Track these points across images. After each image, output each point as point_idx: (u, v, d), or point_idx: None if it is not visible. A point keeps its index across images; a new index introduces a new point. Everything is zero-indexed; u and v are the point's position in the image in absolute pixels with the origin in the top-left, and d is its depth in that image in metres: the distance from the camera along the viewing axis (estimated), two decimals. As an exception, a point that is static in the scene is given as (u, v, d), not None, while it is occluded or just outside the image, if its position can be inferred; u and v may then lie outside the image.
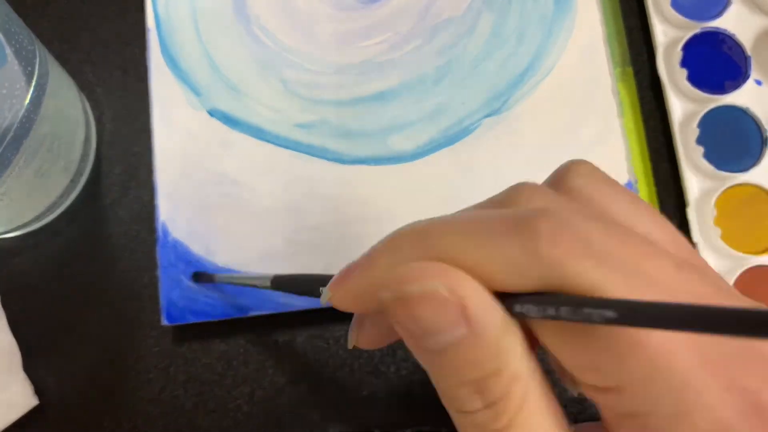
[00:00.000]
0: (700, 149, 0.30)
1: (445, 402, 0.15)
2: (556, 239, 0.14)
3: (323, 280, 0.19)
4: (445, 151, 0.30)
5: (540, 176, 0.30)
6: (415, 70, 0.31)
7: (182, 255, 0.29)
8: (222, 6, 0.32)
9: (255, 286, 0.25)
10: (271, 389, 0.29)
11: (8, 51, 0.23)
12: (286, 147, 0.30)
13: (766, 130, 0.30)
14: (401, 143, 0.30)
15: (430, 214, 0.29)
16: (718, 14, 0.32)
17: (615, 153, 0.30)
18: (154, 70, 0.31)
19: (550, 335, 0.15)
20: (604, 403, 0.15)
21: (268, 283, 0.24)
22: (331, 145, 0.30)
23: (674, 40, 0.32)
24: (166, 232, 0.29)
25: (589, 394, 0.15)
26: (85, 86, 0.32)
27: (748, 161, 0.30)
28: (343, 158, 0.30)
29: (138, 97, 0.32)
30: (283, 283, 0.23)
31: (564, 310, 0.13)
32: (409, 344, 0.15)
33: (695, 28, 0.31)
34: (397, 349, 0.30)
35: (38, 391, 0.29)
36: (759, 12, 0.32)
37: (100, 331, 0.30)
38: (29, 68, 0.25)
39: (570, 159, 0.18)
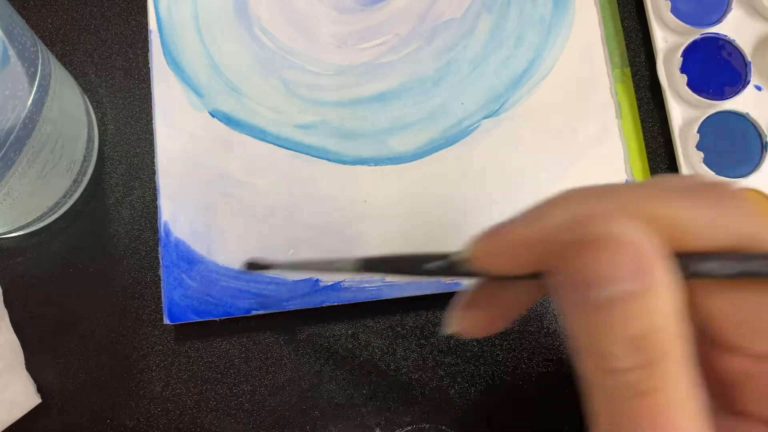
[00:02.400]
0: (700, 155, 0.30)
1: (590, 360, 0.14)
2: (747, 201, 0.13)
3: (425, 258, 0.17)
4: (444, 151, 0.31)
5: (539, 177, 0.30)
6: (414, 71, 0.31)
7: (184, 254, 0.29)
8: (223, 8, 0.32)
9: (334, 269, 0.23)
10: (273, 388, 0.29)
11: (11, 52, 0.24)
12: (287, 147, 0.30)
13: (765, 135, 0.30)
14: (401, 144, 0.31)
15: (430, 214, 0.30)
16: (718, 20, 0.32)
17: (613, 154, 0.31)
18: (156, 72, 0.31)
19: (716, 299, 0.14)
20: (761, 373, 0.14)
21: (352, 266, 0.21)
22: (331, 145, 0.30)
23: (674, 46, 0.32)
24: (168, 232, 0.29)
25: (740, 367, 0.15)
26: (87, 87, 0.32)
27: (748, 167, 0.30)
28: (344, 159, 0.30)
29: (140, 98, 0.32)
30: (375, 265, 0.21)
31: (760, 263, 0.13)
32: (568, 298, 0.14)
33: (695, 33, 0.31)
34: (397, 348, 0.30)
35: (41, 389, 0.29)
36: (759, 18, 0.32)
37: (102, 329, 0.30)
38: (32, 69, 0.25)
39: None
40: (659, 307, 0.13)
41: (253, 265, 0.27)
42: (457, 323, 0.18)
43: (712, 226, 0.14)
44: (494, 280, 0.18)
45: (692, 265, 0.14)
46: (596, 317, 0.14)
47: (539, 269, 0.15)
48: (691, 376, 0.14)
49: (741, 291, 0.14)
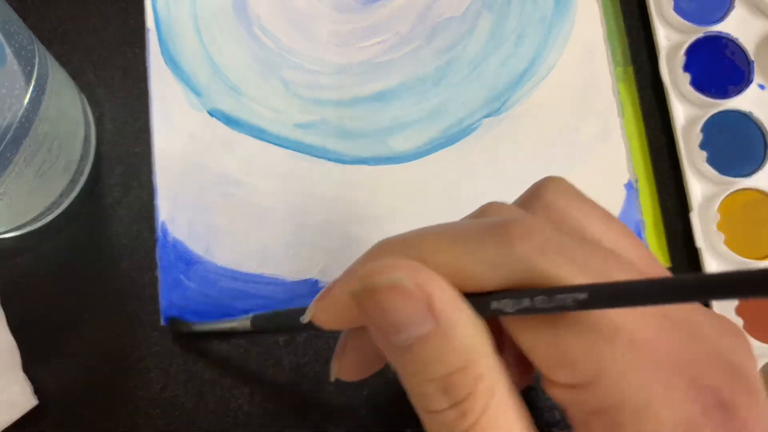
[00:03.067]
0: (703, 154, 0.30)
1: (414, 401, 0.15)
2: (528, 238, 0.14)
3: (300, 312, 0.19)
4: (445, 151, 0.30)
5: (540, 176, 0.29)
6: (415, 70, 0.31)
7: (182, 255, 0.29)
8: (222, 6, 0.31)
9: (234, 330, 0.26)
10: (272, 389, 0.29)
11: (8, 51, 0.23)
12: (287, 147, 0.30)
13: (768, 133, 0.30)
14: (401, 143, 0.30)
15: (430, 214, 0.30)
16: (721, 18, 0.32)
17: (615, 152, 0.30)
18: (154, 71, 0.31)
19: (523, 334, 0.15)
20: (574, 401, 0.15)
21: (248, 324, 0.24)
22: (331, 145, 0.30)
23: (677, 45, 0.32)
24: (166, 232, 0.29)
25: (558, 395, 0.15)
26: (85, 86, 0.32)
27: (752, 166, 0.30)
28: (344, 158, 0.30)
29: (138, 97, 0.32)
30: (262, 323, 0.23)
31: (539, 300, 0.14)
32: (379, 342, 0.15)
33: (698, 32, 0.31)
34: (396, 350, 0.30)
35: (38, 390, 0.29)
36: (762, 16, 0.32)
37: (100, 330, 0.30)
38: (29, 68, 0.25)
39: (544, 177, 0.19)
40: (458, 346, 0.14)
41: (173, 323, 0.28)
42: (334, 371, 0.20)
43: (492, 267, 0.14)
44: (353, 330, 0.19)
45: (492, 303, 0.14)
46: (404, 360, 0.15)
47: (362, 322, 0.16)
48: (509, 409, 0.15)
49: (537, 326, 0.15)
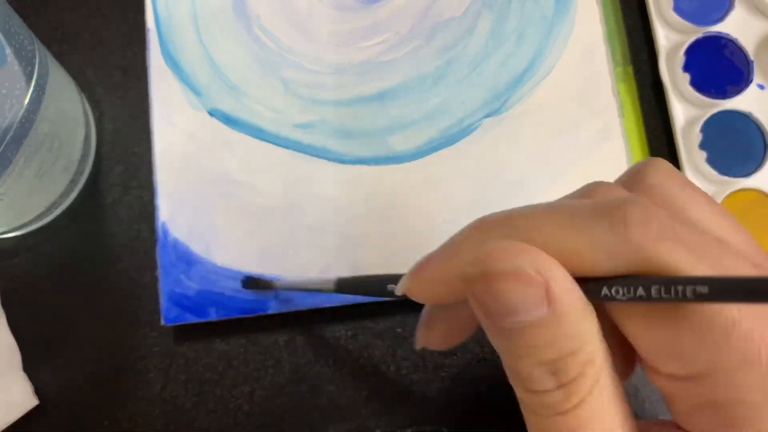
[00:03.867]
0: (703, 154, 0.30)
1: (515, 382, 0.15)
2: (645, 224, 0.14)
3: (389, 279, 0.19)
4: (445, 151, 0.30)
5: (540, 176, 0.30)
6: (415, 70, 0.31)
7: (182, 255, 0.29)
8: (222, 6, 0.31)
9: (318, 290, 0.26)
10: (272, 389, 0.29)
11: (8, 51, 0.23)
12: (286, 147, 0.30)
13: (768, 133, 0.30)
14: (401, 143, 0.30)
15: (429, 214, 0.30)
16: (721, 19, 0.32)
17: (615, 152, 0.30)
18: (154, 71, 0.31)
19: (632, 322, 0.15)
20: (681, 392, 0.15)
21: (332, 287, 0.24)
22: (331, 145, 0.30)
23: (677, 45, 0.32)
24: (166, 232, 0.29)
25: (663, 385, 0.15)
26: (85, 86, 0.32)
27: (751, 166, 0.30)
28: (343, 158, 0.30)
29: (138, 97, 0.32)
30: (348, 286, 0.23)
31: (655, 290, 0.13)
32: (486, 323, 0.15)
33: (698, 32, 0.31)
34: (397, 349, 0.30)
35: (38, 391, 0.29)
36: (761, 16, 0.32)
37: (100, 330, 0.30)
38: (29, 68, 0.25)
39: (645, 159, 0.18)
40: (570, 332, 0.14)
41: (250, 283, 0.28)
42: (421, 340, 0.20)
43: (605, 252, 0.14)
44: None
45: (603, 289, 0.14)
46: (513, 342, 0.15)
47: (462, 297, 0.16)
48: (612, 392, 0.15)
49: (647, 315, 0.15)
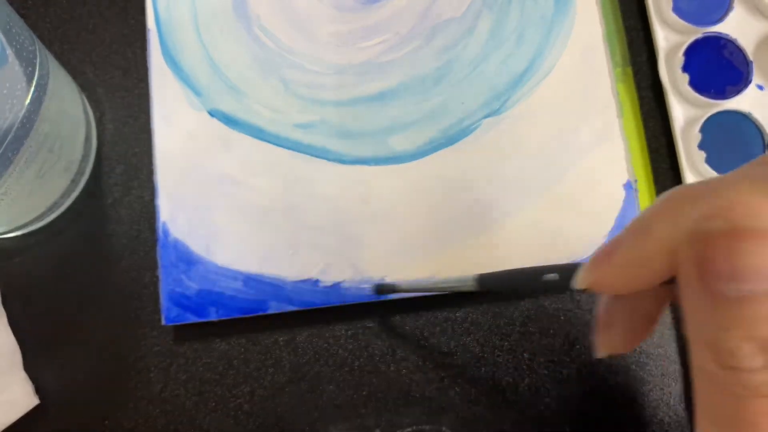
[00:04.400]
0: (702, 154, 0.30)
1: (710, 354, 0.14)
2: None
3: (540, 270, 0.18)
4: (445, 151, 0.30)
5: (540, 176, 0.30)
6: (415, 70, 0.31)
7: (183, 255, 0.29)
8: (222, 6, 0.31)
9: (454, 289, 0.25)
10: (272, 388, 0.29)
11: (9, 51, 0.23)
12: (287, 147, 0.30)
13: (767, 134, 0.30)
14: (401, 143, 0.30)
15: (429, 214, 0.30)
16: (720, 19, 0.32)
17: (615, 153, 0.30)
18: (154, 71, 0.31)
19: None
20: None
21: (472, 284, 0.23)
22: (331, 145, 0.30)
23: (676, 45, 0.32)
24: (166, 232, 0.29)
25: None
26: (85, 86, 0.32)
27: (750, 166, 0.30)
28: (344, 158, 0.30)
29: (138, 97, 0.32)
30: (492, 281, 0.22)
31: None
32: (697, 286, 0.14)
33: (697, 32, 0.31)
34: (397, 349, 0.30)
35: (39, 390, 0.29)
36: (761, 17, 0.32)
37: (100, 330, 0.30)
38: (30, 68, 0.25)
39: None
40: None
41: (381, 289, 0.28)
42: (605, 345, 0.18)
43: None
44: (620, 298, 0.18)
45: None
46: (725, 312, 0.13)
47: (662, 278, 0.15)
48: None
49: None
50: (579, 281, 0.17)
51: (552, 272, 0.18)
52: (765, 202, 0.13)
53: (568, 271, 0.18)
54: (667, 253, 0.14)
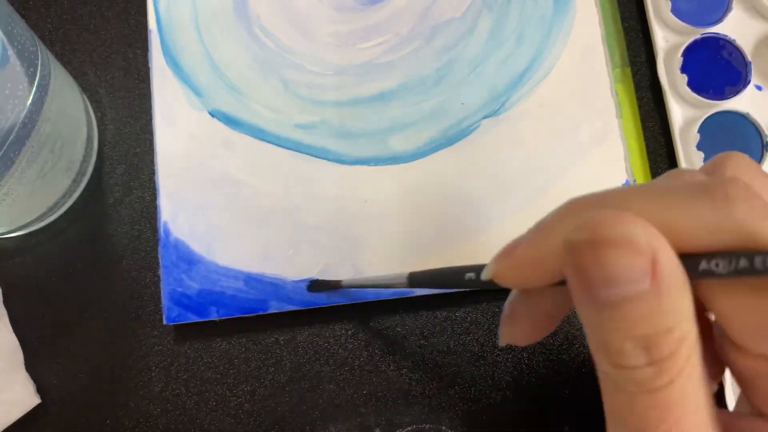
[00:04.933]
0: (701, 155, 0.30)
1: (602, 356, 0.15)
2: (748, 200, 0.14)
3: (465, 269, 0.19)
4: (444, 151, 0.31)
5: (539, 176, 0.30)
6: (415, 70, 0.31)
7: (184, 254, 0.29)
8: (223, 7, 0.32)
9: (388, 286, 0.26)
10: (272, 388, 0.29)
11: (11, 52, 0.24)
12: (287, 147, 0.30)
13: (766, 135, 0.30)
14: (401, 143, 0.30)
15: (430, 214, 0.30)
16: (719, 20, 0.32)
17: (614, 153, 0.31)
18: (155, 71, 0.31)
19: (725, 298, 0.15)
20: None
21: (404, 281, 0.24)
22: (331, 145, 0.30)
23: (675, 46, 0.32)
24: (167, 232, 0.29)
25: (750, 367, 0.15)
26: (87, 87, 0.32)
27: (748, 166, 0.30)
28: (344, 158, 0.30)
29: (140, 97, 0.32)
30: (421, 279, 0.23)
31: (758, 261, 0.13)
32: (580, 295, 0.15)
33: (695, 33, 0.31)
34: (396, 348, 0.30)
35: (40, 390, 0.29)
36: (759, 18, 0.32)
37: (101, 330, 0.30)
38: (31, 69, 0.25)
39: (722, 153, 0.18)
40: (668, 307, 0.14)
41: (316, 285, 0.29)
42: (505, 336, 0.19)
43: (706, 227, 0.14)
44: (525, 292, 0.19)
45: (701, 263, 0.14)
46: (607, 315, 0.14)
47: (555, 278, 0.16)
48: (700, 374, 0.14)
49: (743, 291, 0.14)
50: (485, 272, 0.18)
51: (472, 271, 0.19)
52: (626, 216, 0.14)
53: (481, 270, 0.19)
54: (558, 256, 0.15)
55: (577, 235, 0.14)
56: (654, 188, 0.15)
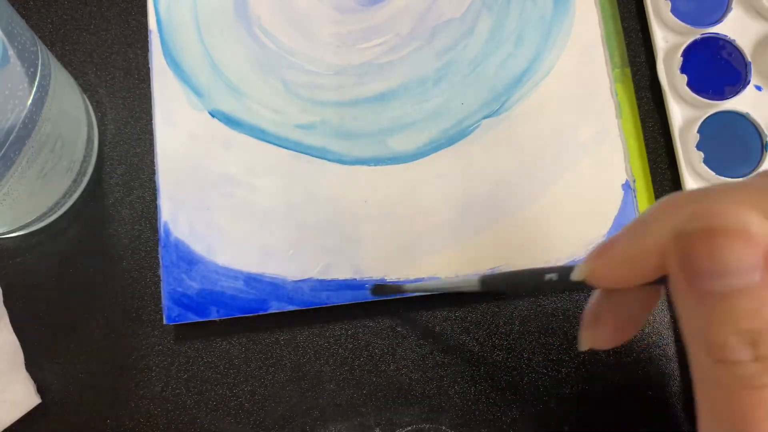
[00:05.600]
0: (700, 155, 0.30)
1: (702, 349, 0.15)
2: None
3: (541, 271, 0.19)
4: (444, 151, 0.31)
5: (538, 176, 0.30)
6: (415, 71, 0.31)
7: (184, 254, 0.29)
8: (223, 7, 0.32)
9: (457, 289, 0.25)
10: (272, 388, 0.29)
11: (11, 52, 0.24)
12: (287, 147, 0.30)
13: (766, 135, 0.30)
14: (401, 144, 0.31)
15: (429, 214, 0.30)
16: (718, 20, 0.32)
17: (613, 153, 0.31)
18: (155, 71, 0.31)
19: None
20: None
21: (475, 284, 0.23)
22: (331, 145, 0.30)
23: (674, 46, 0.32)
24: (167, 232, 0.29)
25: None
26: (87, 87, 0.32)
27: (749, 167, 0.30)
28: (344, 159, 0.30)
29: (140, 98, 0.32)
30: (494, 283, 0.23)
31: None
32: (683, 285, 0.15)
33: (695, 33, 0.31)
34: (396, 348, 0.30)
35: (40, 389, 0.29)
36: (759, 18, 0.32)
37: (102, 330, 0.30)
38: (32, 69, 0.25)
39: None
40: None
41: (378, 290, 0.28)
42: (588, 340, 0.19)
43: None
44: (611, 293, 0.18)
45: None
46: (712, 307, 0.14)
47: (653, 275, 0.16)
48: None
49: None
50: (577, 272, 0.17)
51: (552, 272, 0.19)
52: (741, 207, 0.14)
53: (567, 271, 0.18)
54: (660, 252, 0.15)
55: (690, 224, 0.14)
56: (754, 185, 0.15)
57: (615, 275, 0.17)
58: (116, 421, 0.29)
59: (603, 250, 0.17)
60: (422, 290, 0.28)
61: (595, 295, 0.19)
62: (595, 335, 0.19)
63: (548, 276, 0.19)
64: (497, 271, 0.29)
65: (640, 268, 0.16)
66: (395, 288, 0.28)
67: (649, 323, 0.30)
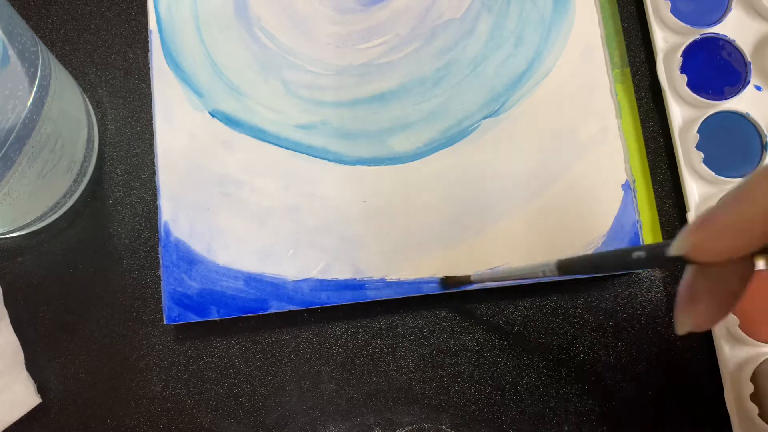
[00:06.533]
0: (700, 155, 0.30)
1: None
2: None
3: (630, 250, 0.18)
4: (444, 151, 0.31)
5: (538, 176, 0.30)
6: (414, 71, 0.31)
7: (184, 254, 0.29)
8: (223, 8, 0.32)
9: (528, 276, 0.24)
10: (273, 388, 0.29)
11: (11, 52, 0.24)
12: (287, 147, 0.30)
13: (765, 135, 0.31)
14: (401, 144, 0.31)
15: (429, 214, 0.30)
16: (718, 20, 0.32)
17: (613, 153, 0.31)
18: (156, 72, 0.31)
19: None
20: None
21: (554, 269, 0.22)
22: (331, 145, 0.30)
23: (674, 46, 0.32)
24: (168, 232, 0.29)
25: None
26: (87, 87, 0.32)
27: (748, 167, 0.30)
28: (344, 159, 0.30)
29: (140, 98, 0.32)
30: (573, 266, 0.22)
31: None
32: None
33: (695, 34, 0.31)
34: (396, 348, 0.30)
35: (41, 389, 0.29)
36: (758, 18, 0.32)
37: (102, 330, 0.30)
38: (32, 69, 0.25)
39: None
40: None
41: (446, 282, 0.28)
42: (687, 322, 0.18)
43: None
44: (707, 270, 0.18)
45: None
46: None
47: (760, 243, 0.15)
48: None
49: None
50: (676, 247, 0.17)
51: (640, 251, 0.18)
52: None
53: (656, 249, 0.18)
54: (766, 218, 0.15)
55: None
56: None
57: (718, 247, 0.16)
58: (116, 420, 0.29)
59: (703, 222, 0.16)
60: (490, 280, 0.27)
61: (690, 274, 0.18)
62: (694, 316, 0.18)
63: (636, 254, 0.18)
64: (497, 270, 0.29)
65: (746, 237, 0.16)
66: (463, 279, 0.28)
67: (650, 323, 0.30)
